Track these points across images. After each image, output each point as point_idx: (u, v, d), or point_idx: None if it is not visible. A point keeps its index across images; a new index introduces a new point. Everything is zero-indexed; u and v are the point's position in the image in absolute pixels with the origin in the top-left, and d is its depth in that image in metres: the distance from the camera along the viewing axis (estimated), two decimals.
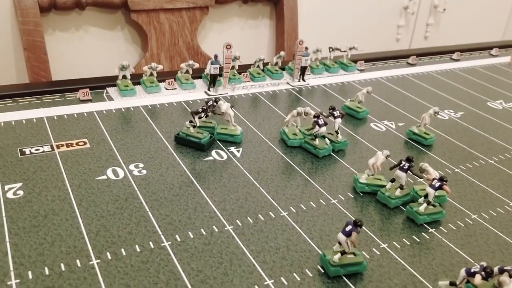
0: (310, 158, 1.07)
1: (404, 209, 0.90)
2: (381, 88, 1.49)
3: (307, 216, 0.87)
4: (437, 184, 0.86)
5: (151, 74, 1.31)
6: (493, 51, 1.92)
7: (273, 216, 0.86)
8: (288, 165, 1.03)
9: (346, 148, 1.11)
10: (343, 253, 0.73)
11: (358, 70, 1.62)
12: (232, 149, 1.07)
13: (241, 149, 1.08)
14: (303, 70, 1.45)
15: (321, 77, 1.53)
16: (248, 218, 0.85)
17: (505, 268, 0.68)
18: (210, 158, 1.03)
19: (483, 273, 0.66)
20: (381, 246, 0.81)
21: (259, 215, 0.86)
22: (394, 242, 0.82)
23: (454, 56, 1.82)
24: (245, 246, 0.78)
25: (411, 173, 0.92)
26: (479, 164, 1.10)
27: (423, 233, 0.85)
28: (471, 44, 1.98)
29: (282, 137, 1.13)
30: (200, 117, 1.10)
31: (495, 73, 1.72)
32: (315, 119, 1.07)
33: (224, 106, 1.08)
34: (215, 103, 1.09)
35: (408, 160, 0.91)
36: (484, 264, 0.68)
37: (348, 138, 1.15)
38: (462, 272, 0.68)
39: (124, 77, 1.28)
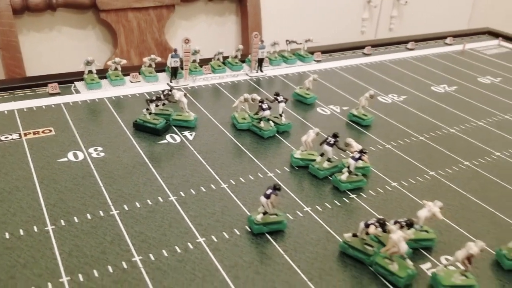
0: (257, 139, 1.18)
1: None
2: (334, 77, 1.60)
3: (244, 187, 0.98)
4: (357, 156, 0.97)
5: (116, 69, 1.42)
6: (447, 40, 2.04)
7: (214, 188, 0.98)
8: (236, 146, 1.15)
9: (290, 129, 1.22)
10: (265, 213, 0.84)
11: (315, 60, 1.73)
12: (186, 133, 1.19)
13: (194, 133, 1.19)
14: (260, 61, 1.56)
15: (279, 68, 1.64)
16: (191, 190, 0.96)
17: (398, 220, 0.79)
18: (165, 141, 1.14)
19: (377, 224, 0.77)
20: (304, 209, 0.92)
21: (201, 187, 0.97)
22: (317, 206, 0.93)
23: (409, 45, 1.93)
24: (185, 212, 0.89)
25: (337, 147, 1.03)
26: (410, 140, 1.21)
27: (344, 198, 0.96)
28: (428, 34, 2.09)
29: (233, 121, 1.24)
30: (157, 105, 1.21)
31: (446, 61, 1.83)
32: (260, 103, 1.18)
33: (178, 94, 1.19)
34: (169, 92, 1.21)
35: (334, 135, 1.02)
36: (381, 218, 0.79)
37: (295, 121, 1.27)
38: (361, 224, 0.79)
39: (91, 71, 1.39)
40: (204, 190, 0.97)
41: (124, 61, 1.41)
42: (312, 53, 1.74)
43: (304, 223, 0.89)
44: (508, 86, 1.61)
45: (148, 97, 1.18)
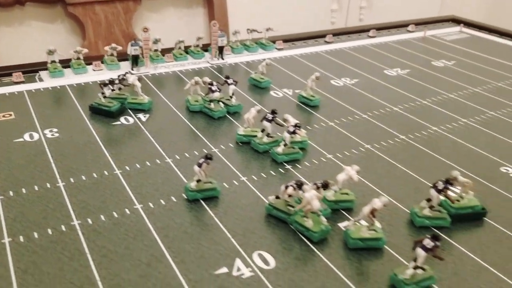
0: (208, 120, 1.25)
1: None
2: (292, 63, 1.67)
3: (188, 161, 1.04)
4: (292, 129, 1.04)
5: (78, 58, 1.48)
6: (410, 28, 2.10)
7: (159, 162, 1.04)
8: (186, 126, 1.21)
9: (241, 110, 1.29)
10: (198, 181, 0.91)
11: (276, 49, 1.79)
12: (140, 115, 1.25)
13: (148, 115, 1.25)
14: (220, 49, 1.63)
15: (241, 56, 1.71)
16: (137, 164, 1.03)
17: (315, 182, 0.85)
18: (118, 123, 1.21)
19: (294, 185, 0.84)
20: (240, 179, 0.99)
21: (147, 162, 1.04)
22: (253, 176, 1.00)
23: (370, 33, 2.00)
24: (127, 184, 0.96)
25: (275, 123, 1.10)
26: (353, 118, 1.28)
27: (280, 169, 1.03)
28: (391, 22, 2.16)
29: (186, 104, 1.30)
30: (113, 90, 1.28)
31: (405, 47, 1.90)
32: (209, 86, 1.25)
33: (131, 78, 1.26)
34: (124, 76, 1.27)
35: (273, 112, 1.09)
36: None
37: (247, 103, 1.33)
38: (282, 187, 0.86)
39: (54, 61, 1.45)
40: (149, 164, 1.03)
41: (85, 50, 1.47)
42: (274, 41, 1.81)
43: (238, 191, 0.95)
44: (459, 68, 1.68)
45: (102, 81, 1.25)
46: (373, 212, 0.78)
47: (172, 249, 0.79)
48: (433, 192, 0.85)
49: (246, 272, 0.75)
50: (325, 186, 0.85)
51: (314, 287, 0.72)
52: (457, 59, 1.77)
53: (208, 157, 0.90)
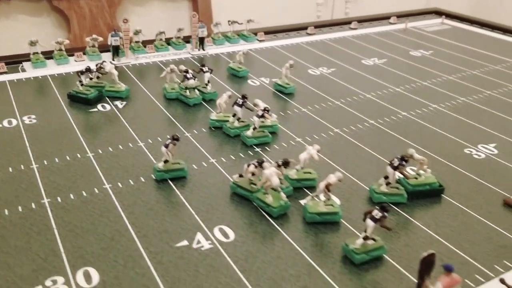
0: (184, 106, 1.28)
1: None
2: (272, 54, 1.70)
3: (160, 145, 1.07)
4: (260, 113, 1.07)
5: (60, 49, 1.51)
6: (391, 20, 2.13)
7: (131, 146, 1.07)
8: (162, 112, 1.24)
9: (216, 98, 1.31)
10: (166, 161, 0.94)
11: (258, 40, 1.82)
12: (117, 102, 1.28)
13: (125, 102, 1.29)
14: (201, 40, 1.66)
15: (222, 47, 1.74)
16: (109, 148, 1.06)
17: (277, 160, 0.88)
18: (95, 110, 1.24)
19: (256, 163, 0.87)
20: (210, 161, 1.02)
21: (120, 145, 1.07)
22: (222, 158, 1.03)
23: (352, 25, 2.03)
24: (98, 165, 0.99)
25: (245, 107, 1.12)
26: (326, 105, 1.31)
27: (249, 152, 1.06)
28: (374, 15, 2.19)
29: (163, 92, 1.33)
30: (91, 78, 1.31)
31: (385, 38, 1.93)
32: (184, 73, 1.28)
33: (108, 66, 1.29)
34: (101, 65, 1.30)
35: (243, 97, 1.12)
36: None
37: (224, 91, 1.35)
38: (245, 165, 0.89)
39: (37, 52, 1.48)
40: (121, 148, 1.06)
41: (66, 41, 1.51)
42: (256, 33, 1.84)
43: (206, 172, 0.98)
44: (436, 58, 1.71)
45: (79, 70, 1.28)
46: (328, 187, 0.81)
47: (136, 224, 0.82)
48: (389, 169, 0.88)
49: (206, 245, 0.78)
50: (286, 164, 0.88)
51: (269, 258, 0.76)
52: (435, 49, 1.80)
53: (174, 138, 0.93)
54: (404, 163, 0.87)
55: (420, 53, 1.75)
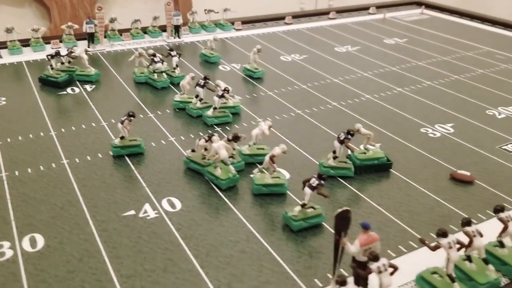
0: (152, 90, 1.30)
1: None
2: (247, 42, 1.72)
3: None
4: (220, 93, 1.09)
5: (38, 37, 1.54)
6: (370, 10, 2.15)
7: (94, 125, 1.10)
8: (129, 95, 1.27)
9: None
10: (122, 137, 0.96)
11: (235, 29, 1.85)
12: (87, 86, 1.31)
13: (94, 86, 1.31)
14: (176, 28, 1.68)
15: (198, 35, 1.76)
16: (72, 127, 1.09)
17: (228, 135, 0.91)
18: (64, 92, 1.27)
19: (206, 137, 0.89)
20: (169, 139, 1.04)
21: (83, 125, 1.10)
22: (181, 136, 1.06)
23: (330, 15, 2.05)
24: (60, 143, 1.02)
25: (207, 88, 1.15)
26: (292, 88, 1.33)
27: (209, 131, 1.08)
28: (353, 6, 2.20)
29: (133, 76, 1.36)
30: (62, 63, 1.33)
31: (362, 27, 1.95)
32: (151, 57, 1.30)
33: (78, 50, 1.32)
34: (72, 49, 1.33)
35: (205, 78, 1.14)
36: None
37: (196, 76, 1.39)
38: (196, 140, 0.91)
39: (14, 40, 1.51)
40: (84, 127, 1.09)
41: (42, 29, 1.53)
42: (233, 23, 1.86)
43: (163, 149, 1.01)
44: (409, 45, 1.73)
45: (48, 54, 1.30)
46: (272, 158, 0.84)
47: (87, 196, 0.85)
48: (336, 143, 0.90)
49: (152, 214, 0.81)
50: (235, 138, 0.90)
51: (212, 226, 0.78)
52: (409, 37, 1.82)
53: (130, 115, 0.96)
54: (349, 136, 0.89)
55: (394, 41, 1.77)
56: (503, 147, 1.04)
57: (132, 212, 0.81)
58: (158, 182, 0.89)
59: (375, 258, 0.57)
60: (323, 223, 0.79)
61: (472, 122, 1.15)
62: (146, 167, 0.94)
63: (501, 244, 0.69)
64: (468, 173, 0.92)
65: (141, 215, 0.81)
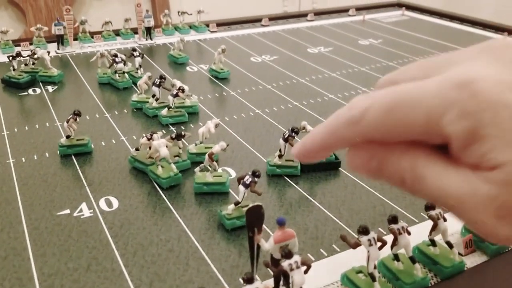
0: (113, 90, 1.29)
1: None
2: (219, 43, 1.69)
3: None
4: (174, 92, 1.08)
5: (7, 40, 1.54)
6: (350, 12, 2.14)
7: (48, 125, 1.09)
8: (89, 95, 1.26)
9: None
10: (68, 136, 0.95)
11: (209, 31, 1.84)
12: (48, 87, 1.30)
13: (56, 87, 1.30)
14: (148, 30, 1.67)
15: (172, 37, 1.76)
16: (26, 126, 1.08)
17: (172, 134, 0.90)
18: (25, 93, 1.26)
19: (148, 135, 0.88)
20: (120, 139, 1.03)
21: (36, 125, 1.09)
22: (134, 136, 1.04)
23: (308, 17, 2.04)
24: (9, 142, 1.01)
25: (162, 87, 1.13)
26: (256, 88, 1.32)
27: (163, 131, 1.06)
28: (333, 8, 2.20)
29: (96, 77, 1.35)
30: (26, 64, 1.33)
31: (340, 29, 1.94)
32: (113, 57, 1.30)
33: (40, 51, 1.31)
34: (34, 51, 1.32)
35: (160, 77, 1.13)
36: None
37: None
38: (140, 139, 0.90)
39: None
40: (37, 126, 1.08)
41: (11, 30, 1.53)
42: (208, 25, 1.86)
43: (113, 148, 1.00)
44: (383, 46, 1.72)
45: (9, 55, 1.30)
46: (210, 156, 0.82)
47: (25, 194, 0.84)
48: (280, 141, 0.89)
49: (87, 213, 0.79)
50: (179, 136, 0.89)
51: (145, 225, 0.77)
52: (385, 38, 1.81)
53: (75, 113, 0.95)
54: (294, 134, 0.87)
55: (368, 42, 1.76)
56: None
57: (67, 211, 0.80)
58: (100, 181, 0.88)
59: (287, 255, 0.55)
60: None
61: None
62: (91, 166, 0.93)
63: (433, 243, 0.67)
64: None
65: (75, 214, 0.79)
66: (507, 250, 0.71)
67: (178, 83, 1.13)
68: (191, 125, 1.11)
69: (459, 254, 0.69)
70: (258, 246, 0.59)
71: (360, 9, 2.19)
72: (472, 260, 0.69)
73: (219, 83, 1.36)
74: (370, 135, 0.27)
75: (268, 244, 0.58)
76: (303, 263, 0.56)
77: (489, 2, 2.86)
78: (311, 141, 0.30)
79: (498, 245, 0.70)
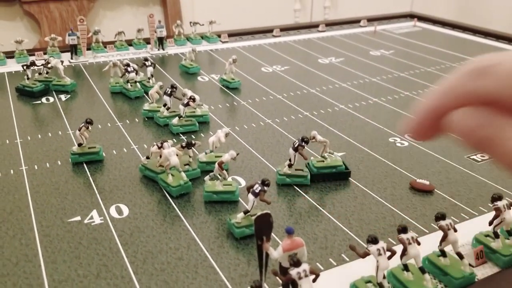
0: (125, 99, 1.31)
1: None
2: (232, 54, 1.71)
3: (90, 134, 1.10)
4: (185, 101, 1.09)
5: (22, 49, 1.56)
6: (361, 23, 2.15)
7: (60, 133, 1.10)
8: (102, 104, 1.27)
9: None
10: (79, 145, 0.96)
11: (221, 41, 1.86)
12: (62, 96, 1.32)
13: (69, 96, 1.32)
14: (160, 40, 1.69)
15: (183, 47, 1.77)
16: (39, 135, 1.09)
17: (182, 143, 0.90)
18: (39, 102, 1.28)
19: (159, 144, 0.89)
20: (131, 147, 1.04)
21: (49, 133, 1.10)
22: (145, 144, 1.05)
23: (320, 28, 2.05)
24: (22, 150, 1.02)
25: (174, 97, 1.14)
26: (267, 98, 1.32)
27: (174, 139, 1.08)
28: (345, 19, 2.20)
29: (108, 86, 1.37)
30: (40, 73, 1.35)
31: (351, 39, 1.94)
32: (125, 67, 1.31)
33: (54, 61, 1.33)
34: (48, 60, 1.34)
35: (172, 87, 1.14)
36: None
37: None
38: (151, 147, 0.91)
39: None
40: (50, 135, 1.10)
41: (26, 40, 1.56)
42: (219, 35, 1.87)
43: (124, 156, 1.01)
44: (395, 57, 1.71)
45: (24, 64, 1.32)
46: (220, 165, 0.82)
47: (37, 201, 0.85)
48: (290, 150, 0.89)
49: (97, 220, 0.80)
50: (189, 145, 0.90)
51: (155, 233, 0.77)
52: (396, 49, 1.81)
53: (87, 122, 0.96)
54: (303, 144, 0.88)
55: (380, 53, 1.76)
56: (471, 157, 1.02)
57: (78, 218, 0.80)
58: (111, 189, 0.89)
59: (296, 263, 0.55)
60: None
61: None
62: (102, 174, 0.94)
63: (443, 254, 0.67)
64: (427, 182, 0.89)
65: (86, 221, 0.80)
66: None
67: (189, 93, 1.14)
68: (201, 134, 1.11)
69: (470, 265, 0.68)
70: (267, 255, 0.59)
71: (371, 20, 2.20)
72: (483, 272, 0.69)
73: (230, 93, 1.37)
74: (497, 94, 0.24)
75: (276, 252, 0.58)
76: (311, 272, 0.56)
77: (503, 14, 2.85)
78: (423, 107, 0.26)
79: (510, 256, 0.69)
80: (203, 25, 1.80)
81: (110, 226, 0.78)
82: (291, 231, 0.58)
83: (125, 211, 0.82)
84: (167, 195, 0.87)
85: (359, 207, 0.84)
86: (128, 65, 1.31)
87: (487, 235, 0.72)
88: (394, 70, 1.57)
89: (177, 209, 0.83)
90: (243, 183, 0.91)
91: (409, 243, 0.62)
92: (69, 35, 1.54)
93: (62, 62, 1.34)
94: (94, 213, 0.82)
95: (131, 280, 0.67)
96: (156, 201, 0.86)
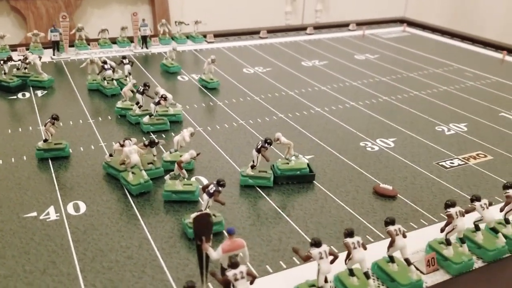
0: (101, 97, 1.30)
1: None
2: (215, 54, 1.69)
3: (59, 129, 1.10)
4: (157, 100, 1.09)
5: (4, 45, 1.56)
6: (350, 26, 2.14)
7: (31, 129, 1.10)
8: (77, 101, 1.27)
9: (136, 89, 1.34)
10: (45, 140, 0.96)
11: (206, 42, 1.85)
12: (38, 91, 1.32)
13: (46, 92, 1.32)
14: (144, 39, 1.69)
15: (168, 46, 1.76)
16: (9, 129, 1.09)
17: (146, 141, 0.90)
18: (14, 97, 1.28)
19: (121, 142, 0.88)
20: (99, 144, 1.04)
21: (20, 128, 1.10)
22: (113, 142, 1.04)
23: (307, 31, 2.05)
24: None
25: (146, 95, 1.14)
26: (244, 99, 1.32)
27: (144, 138, 1.07)
28: (333, 22, 2.20)
29: (86, 83, 1.37)
30: (18, 68, 1.35)
31: (337, 43, 1.93)
32: (102, 64, 1.31)
33: (31, 57, 1.33)
34: (27, 56, 1.34)
35: (144, 85, 1.14)
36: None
37: (154, 86, 1.38)
38: (114, 144, 0.90)
39: None
40: (20, 130, 1.09)
41: (7, 35, 1.56)
42: (205, 35, 1.87)
43: (90, 154, 1.00)
44: (379, 61, 1.71)
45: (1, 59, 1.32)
46: (179, 164, 0.82)
47: None
48: (253, 152, 0.88)
49: (53, 217, 0.79)
50: (152, 143, 0.89)
51: (108, 231, 0.76)
52: (382, 54, 1.80)
53: (53, 118, 0.96)
54: (266, 145, 0.87)
55: (365, 57, 1.75)
56: (440, 163, 1.01)
57: (34, 214, 0.80)
58: (71, 186, 0.88)
59: (233, 265, 0.55)
60: (224, 231, 0.77)
61: (417, 138, 1.12)
62: (66, 170, 0.93)
63: (391, 259, 0.66)
64: (390, 187, 0.89)
65: (41, 217, 0.79)
66: (470, 270, 0.69)
67: (162, 91, 1.14)
68: (172, 133, 1.11)
69: (421, 272, 0.67)
70: (207, 255, 0.59)
71: (361, 24, 2.20)
72: (434, 279, 0.68)
73: (208, 93, 1.37)
74: None
75: (216, 253, 0.57)
76: (248, 274, 0.55)
77: (495, 22, 2.84)
78: None
79: (461, 263, 0.68)
80: (188, 24, 1.80)
81: (65, 222, 0.78)
82: (232, 231, 0.57)
83: (83, 208, 0.82)
84: (127, 193, 0.87)
85: (319, 210, 0.83)
86: (105, 62, 1.31)
87: (441, 242, 0.71)
88: (376, 74, 1.56)
89: (135, 207, 0.83)
90: (205, 183, 0.90)
91: (354, 247, 0.61)
92: (51, 32, 1.53)
93: (40, 58, 1.34)
94: (51, 209, 0.81)
95: (76, 277, 0.67)
96: (115, 199, 0.85)
